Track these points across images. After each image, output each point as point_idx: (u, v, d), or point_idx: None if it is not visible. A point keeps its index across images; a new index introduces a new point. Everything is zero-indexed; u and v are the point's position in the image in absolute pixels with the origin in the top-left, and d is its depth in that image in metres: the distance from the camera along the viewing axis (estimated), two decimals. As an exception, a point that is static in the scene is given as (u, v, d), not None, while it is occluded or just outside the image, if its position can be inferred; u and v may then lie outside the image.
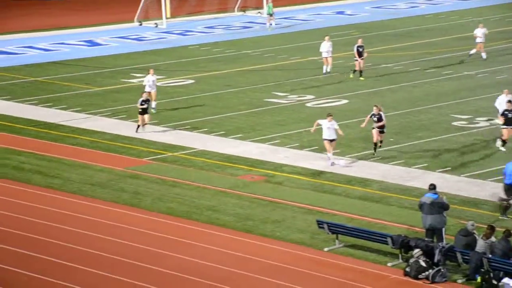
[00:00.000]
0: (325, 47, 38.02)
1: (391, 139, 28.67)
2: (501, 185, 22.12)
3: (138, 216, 22.53)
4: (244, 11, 57.76)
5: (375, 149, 26.79)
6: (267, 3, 52.54)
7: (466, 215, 21.48)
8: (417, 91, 35.11)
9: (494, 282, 17.56)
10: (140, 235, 21.21)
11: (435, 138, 28.55)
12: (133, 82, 38.34)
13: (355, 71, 37.39)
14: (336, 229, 20.41)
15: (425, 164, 25.86)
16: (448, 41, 45.40)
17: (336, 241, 20.33)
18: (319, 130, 26.76)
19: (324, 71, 38.20)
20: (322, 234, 20.70)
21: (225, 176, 25.68)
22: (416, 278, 18.34)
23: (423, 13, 54.81)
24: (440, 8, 56.28)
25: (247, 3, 57.83)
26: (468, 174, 24.85)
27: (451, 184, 23.97)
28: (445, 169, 25.44)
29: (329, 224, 20.50)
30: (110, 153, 28.19)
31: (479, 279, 17.81)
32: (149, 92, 31.67)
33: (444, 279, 18.21)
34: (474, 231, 18.89)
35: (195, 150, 28.41)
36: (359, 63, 37.24)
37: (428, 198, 19.56)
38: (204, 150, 28.32)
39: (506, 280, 17.29)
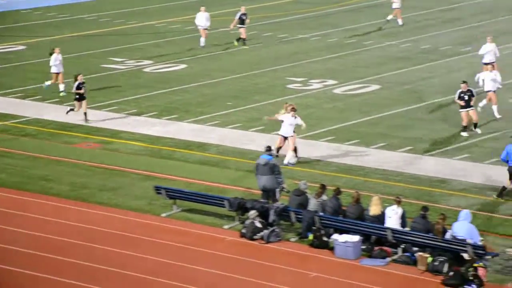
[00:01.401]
0: (202, 18, 36.30)
1: (229, 103, 28.94)
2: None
3: (-33, 189, 21.64)
4: None
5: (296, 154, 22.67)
6: None
7: (300, 175, 22.05)
8: (253, 55, 35.52)
9: (325, 238, 18.17)
10: (-31, 208, 20.38)
11: (271, 101, 29.05)
12: (-39, 49, 36.56)
13: (239, 38, 36.17)
14: (173, 194, 20.43)
15: (261, 127, 26.30)
16: (282, 4, 46.13)
17: (174, 206, 20.37)
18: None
19: (202, 44, 36.25)
20: (160, 200, 20.67)
21: (59, 144, 25.06)
22: (251, 239, 18.69)
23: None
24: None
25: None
26: (302, 135, 25.46)
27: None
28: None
29: (167, 190, 20.49)
30: None
31: (310, 236, 18.38)
32: (57, 74, 28.82)
33: (278, 238, 18.66)
34: (307, 190, 19.44)
35: (27, 118, 27.51)
36: (244, 31, 36.00)
37: (262, 159, 19.92)
38: (37, 118, 27.48)
39: (335, 236, 17.93)
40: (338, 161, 23.20)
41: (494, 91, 26.11)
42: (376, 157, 23.32)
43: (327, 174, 22.23)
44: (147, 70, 33.56)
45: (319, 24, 40.95)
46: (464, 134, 24.68)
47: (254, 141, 25.04)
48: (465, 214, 17.17)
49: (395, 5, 39.35)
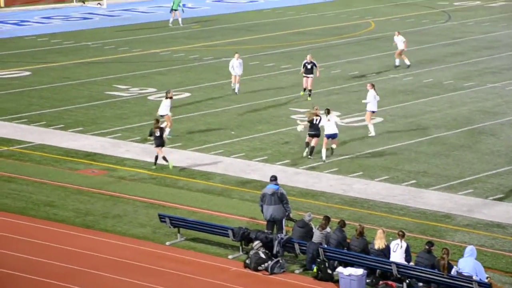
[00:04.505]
0: (235, 64, 33.70)
1: (233, 132, 29.03)
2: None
3: (-29, 213, 21.63)
4: (83, 1, 56.72)
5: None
6: None
7: (304, 206, 22.07)
8: (256, 85, 35.67)
9: (329, 271, 18.15)
10: (-27, 233, 20.36)
11: (274, 131, 29.15)
12: (-34, 73, 36.69)
13: (305, 89, 33.47)
14: (177, 223, 20.44)
15: (265, 157, 26.37)
16: (286, 36, 46.43)
17: (178, 234, 20.37)
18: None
19: (233, 88, 33.96)
20: (164, 228, 20.67)
21: (64, 170, 25.09)
22: (255, 270, 18.66)
23: (261, 8, 55.76)
24: (277, 3, 57.46)
25: (86, -6, 56.94)
26: (306, 166, 25.55)
27: (289, 176, 24.56)
28: (284, 161, 26.03)
29: (171, 218, 20.51)
30: None
31: (315, 268, 18.35)
32: None
33: (283, 269, 18.64)
34: (311, 222, 19.45)
35: (32, 144, 27.56)
36: (306, 81, 33.24)
37: (269, 189, 19.94)
38: (42, 144, 27.53)
39: (340, 269, 17.91)
40: (342, 193, 23.24)
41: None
42: (380, 190, 23.37)
43: (331, 206, 22.26)
44: (151, 98, 33.69)
45: (321, 56, 41.18)
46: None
47: (257, 171, 25.10)
48: (470, 250, 17.16)
49: (400, 47, 37.78)
